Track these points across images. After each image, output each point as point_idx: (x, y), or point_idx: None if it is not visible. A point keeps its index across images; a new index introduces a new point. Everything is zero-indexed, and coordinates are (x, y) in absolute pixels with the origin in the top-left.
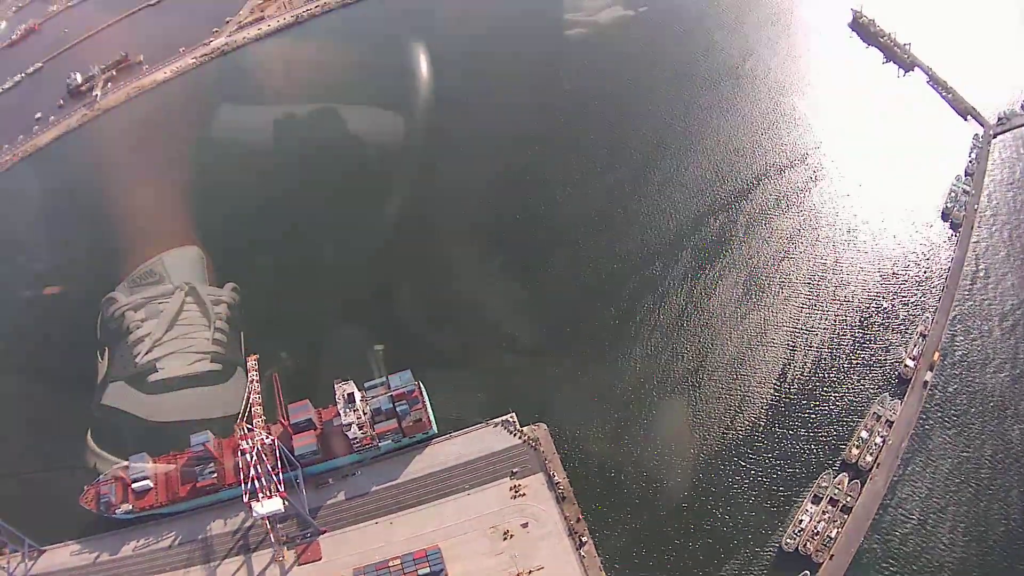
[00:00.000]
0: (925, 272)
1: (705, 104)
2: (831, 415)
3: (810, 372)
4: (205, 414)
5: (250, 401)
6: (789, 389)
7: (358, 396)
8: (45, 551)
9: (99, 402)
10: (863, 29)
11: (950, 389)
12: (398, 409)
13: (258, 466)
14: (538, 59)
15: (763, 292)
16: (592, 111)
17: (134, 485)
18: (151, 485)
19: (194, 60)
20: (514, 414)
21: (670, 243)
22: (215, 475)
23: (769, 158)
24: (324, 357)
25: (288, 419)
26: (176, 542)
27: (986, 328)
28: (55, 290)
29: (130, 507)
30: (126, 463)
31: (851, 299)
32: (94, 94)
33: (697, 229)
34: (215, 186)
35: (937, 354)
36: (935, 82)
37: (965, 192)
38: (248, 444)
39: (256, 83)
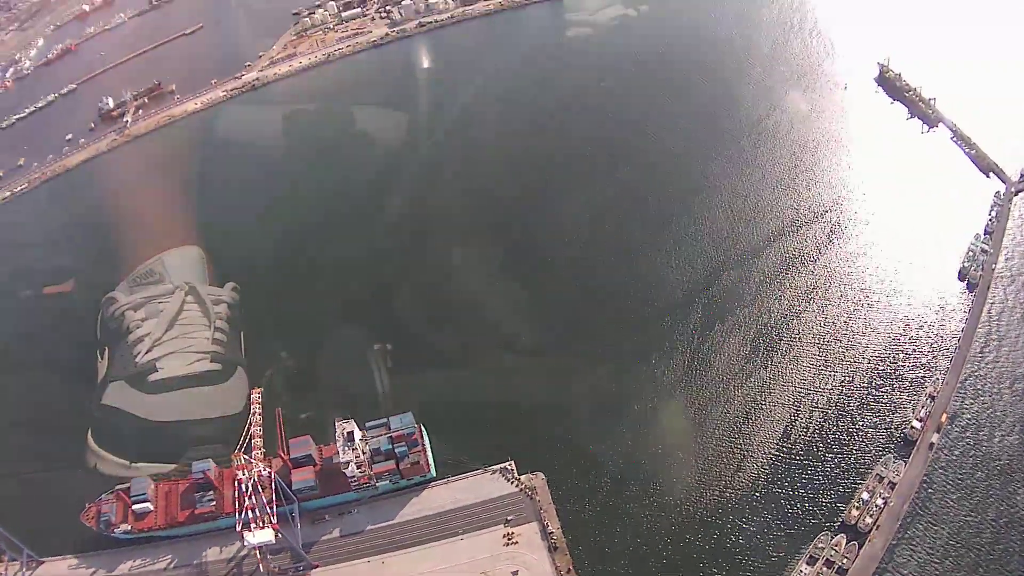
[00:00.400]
0: (938, 332)
1: (726, 158)
2: (833, 475)
3: (815, 431)
4: (205, 414)
5: (250, 433)
6: (792, 448)
7: (358, 435)
8: (44, 563)
9: (99, 402)
10: (889, 83)
11: (956, 452)
12: (397, 451)
13: (253, 497)
14: (562, 98)
15: (772, 350)
16: (606, 163)
17: (134, 507)
18: (151, 508)
19: (224, 93)
20: (513, 462)
21: (681, 298)
22: (214, 503)
23: (787, 215)
24: (323, 358)
25: (288, 454)
26: (172, 565)
27: (997, 391)
28: (59, 289)
29: (129, 527)
30: (127, 485)
31: (860, 359)
32: (125, 120)
33: (709, 285)
34: (220, 187)
35: (945, 416)
36: (959, 138)
37: (983, 251)
38: (244, 475)
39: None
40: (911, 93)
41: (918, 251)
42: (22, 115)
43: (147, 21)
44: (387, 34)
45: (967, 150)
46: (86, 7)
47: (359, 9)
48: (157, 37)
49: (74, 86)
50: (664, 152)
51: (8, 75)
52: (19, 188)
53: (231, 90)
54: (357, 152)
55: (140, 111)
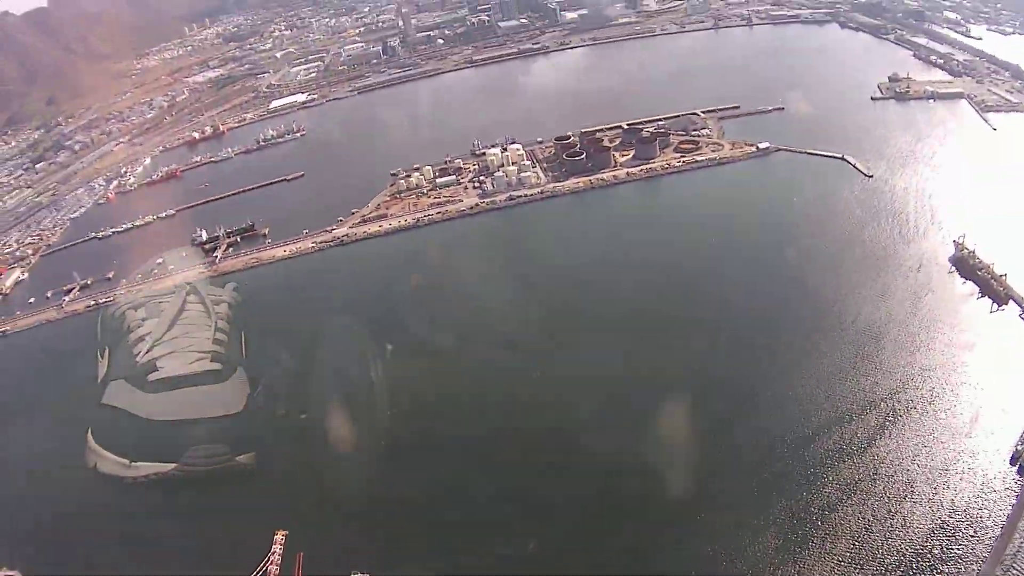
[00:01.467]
0: (980, 519)
1: (783, 348)
2: None
3: None
4: (205, 413)
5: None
6: None
7: None
8: None
9: (99, 401)
10: (962, 262)
11: None
12: None
13: None
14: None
15: (805, 544)
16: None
17: None
18: None
19: (313, 244)
20: None
21: (722, 488)
22: None
23: (840, 405)
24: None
25: None
26: None
27: None
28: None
29: None
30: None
31: (899, 550)
32: (215, 255)
33: (752, 475)
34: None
35: None
36: None
37: None
38: None
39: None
40: (983, 271)
41: (972, 436)
42: (119, 229)
43: (252, 159)
44: (477, 204)
45: None
46: (196, 135)
47: (454, 177)
48: (259, 178)
49: (173, 212)
50: (728, 338)
51: (112, 187)
52: (103, 299)
53: (320, 242)
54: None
55: (231, 248)
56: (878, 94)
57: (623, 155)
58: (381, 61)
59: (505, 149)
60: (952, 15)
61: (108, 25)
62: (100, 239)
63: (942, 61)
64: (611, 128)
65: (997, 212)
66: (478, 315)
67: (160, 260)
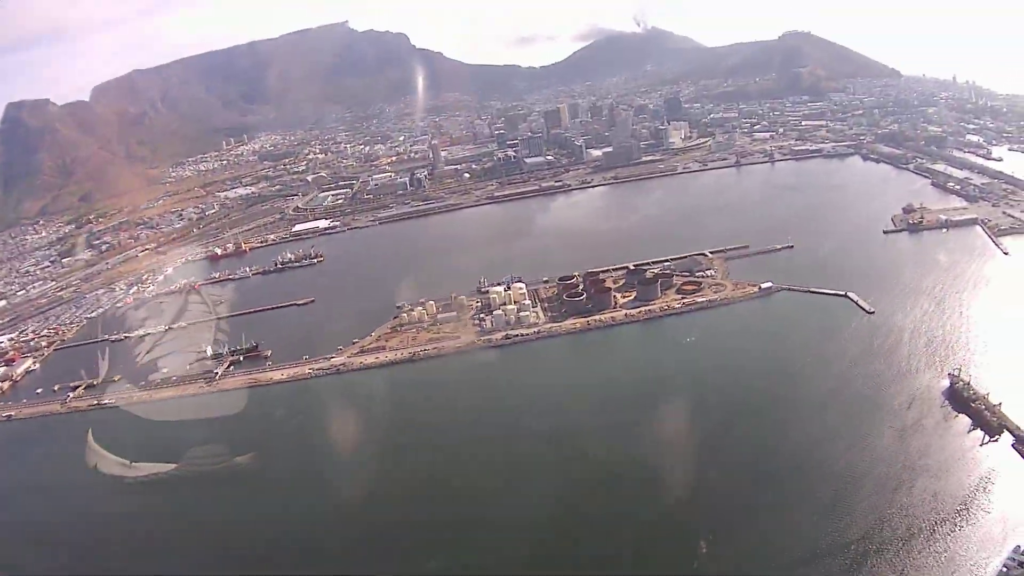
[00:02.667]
0: None
1: (758, 503)
2: None
3: None
4: (205, 414)
5: None
6: None
7: None
8: None
9: (100, 401)
10: (957, 394)
11: None
12: None
13: None
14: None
15: None
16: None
17: None
18: None
19: (310, 371)
20: None
21: None
22: None
23: (811, 546)
24: None
25: None
26: None
27: None
28: None
29: None
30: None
31: None
32: (215, 372)
33: None
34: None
35: None
36: (1022, 444)
37: (1020, 565)
38: None
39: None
40: (977, 402)
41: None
42: (131, 335)
43: (269, 281)
44: (473, 341)
45: None
46: (219, 251)
47: (455, 313)
48: (272, 299)
49: (184, 324)
50: (703, 487)
51: (132, 292)
52: (105, 401)
53: (317, 369)
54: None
55: (232, 367)
56: (891, 227)
57: (625, 296)
58: (407, 192)
59: (508, 288)
60: (974, 138)
61: (148, 129)
62: (112, 341)
63: (959, 187)
64: (617, 269)
65: (998, 338)
66: (448, 458)
67: (165, 370)
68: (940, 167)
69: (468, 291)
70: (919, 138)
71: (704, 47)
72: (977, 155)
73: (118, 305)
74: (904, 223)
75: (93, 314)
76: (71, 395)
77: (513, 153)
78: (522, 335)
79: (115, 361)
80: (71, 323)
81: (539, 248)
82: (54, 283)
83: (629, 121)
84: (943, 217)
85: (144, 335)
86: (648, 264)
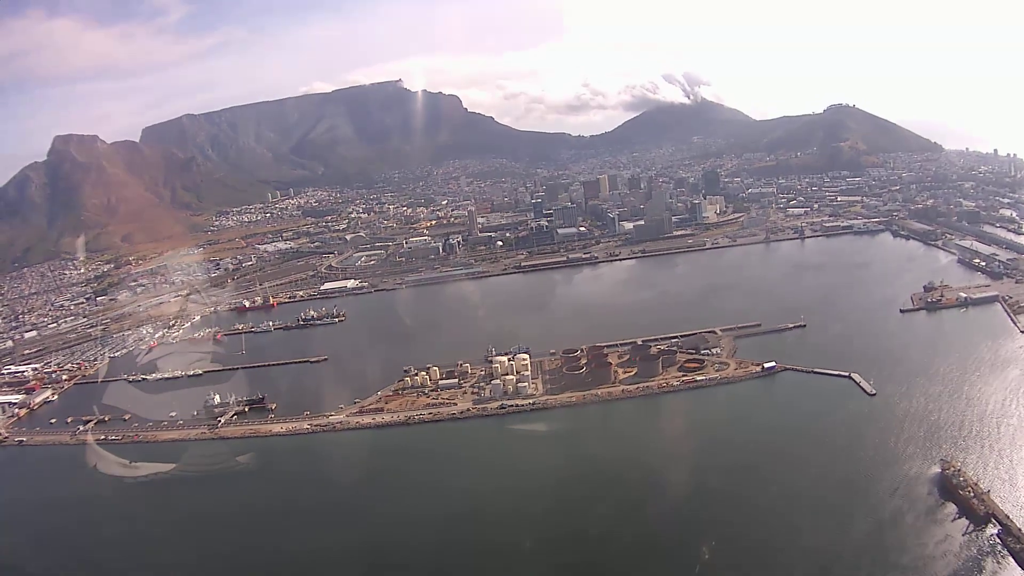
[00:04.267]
0: None
1: None
2: None
3: None
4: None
5: None
6: None
7: None
8: None
9: (107, 437)
10: (946, 482)
11: None
12: None
13: None
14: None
15: None
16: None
17: None
18: None
19: (308, 426)
20: None
21: None
22: None
23: None
24: None
25: None
26: None
27: None
28: None
29: None
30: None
31: None
32: (219, 419)
33: None
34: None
35: None
36: (1007, 535)
37: None
38: None
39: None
40: (966, 490)
41: None
42: (149, 377)
43: (290, 336)
44: (468, 410)
45: (1014, 545)
46: (247, 303)
47: (456, 380)
48: (288, 355)
49: (200, 372)
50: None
51: (157, 336)
52: (112, 438)
53: (315, 425)
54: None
55: (236, 417)
56: (909, 306)
57: (627, 372)
58: (438, 257)
59: (512, 358)
60: (1008, 212)
61: (195, 175)
62: (130, 381)
63: (984, 263)
64: (625, 343)
65: (1000, 422)
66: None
67: (173, 413)
68: (967, 243)
69: (477, 359)
70: (951, 213)
71: (752, 120)
72: (1008, 230)
73: (142, 347)
74: (923, 301)
75: (117, 353)
76: (81, 428)
77: (547, 223)
78: (517, 405)
79: (129, 400)
80: (95, 360)
81: (553, 320)
82: (85, 319)
83: (664, 195)
84: (963, 295)
85: (161, 378)
86: (656, 340)
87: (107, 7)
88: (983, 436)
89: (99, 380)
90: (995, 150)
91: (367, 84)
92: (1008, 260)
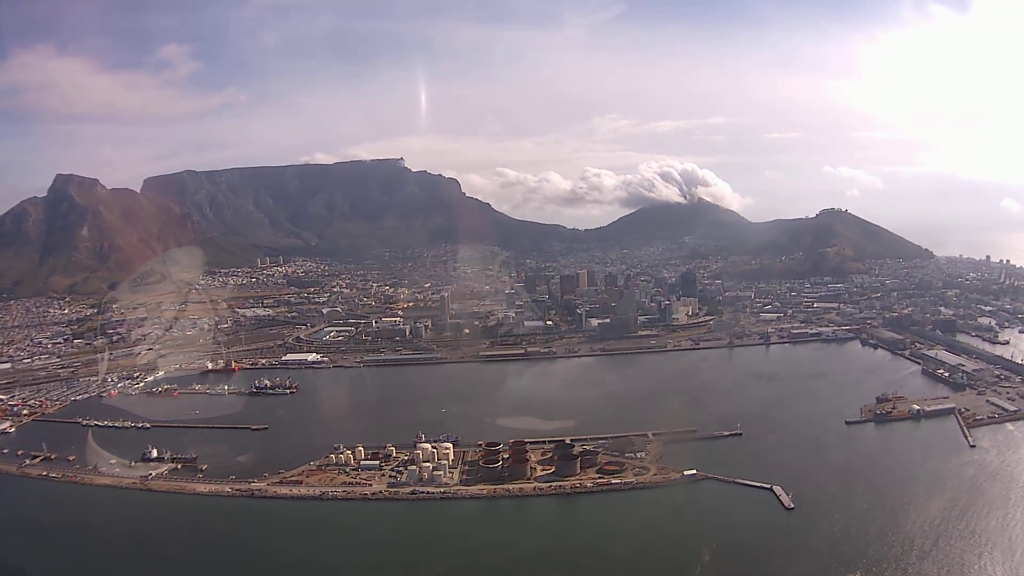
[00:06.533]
0: None
1: None
2: None
3: None
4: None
5: None
6: None
7: None
8: None
9: (48, 473)
10: None
11: None
12: None
13: None
14: None
15: None
16: None
17: None
18: None
19: (229, 490)
20: None
21: None
22: None
23: None
24: None
25: None
26: None
27: None
28: None
29: None
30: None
31: None
32: (151, 473)
33: None
34: None
35: None
36: None
37: None
38: None
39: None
40: None
41: None
42: (100, 424)
43: (241, 401)
44: (380, 492)
45: None
46: (210, 365)
47: (379, 462)
48: (235, 419)
49: (149, 425)
50: None
51: (119, 386)
52: (52, 475)
53: (236, 489)
54: None
55: (166, 471)
56: (856, 417)
57: (545, 469)
58: (404, 339)
59: (435, 445)
60: (987, 320)
61: (190, 233)
62: (83, 425)
63: (947, 375)
64: (554, 440)
65: (919, 548)
66: None
67: (112, 461)
68: (933, 353)
69: (406, 443)
70: (926, 322)
71: (746, 222)
72: (984, 339)
73: (102, 394)
74: (872, 413)
75: (79, 397)
76: (27, 463)
77: (514, 315)
78: (428, 492)
79: (78, 443)
80: (57, 400)
81: (494, 411)
82: (59, 359)
83: (634, 294)
84: (916, 407)
85: (111, 426)
86: (585, 439)
87: (115, 53)
88: (899, 561)
89: (57, 420)
90: (987, 256)
91: (368, 160)
92: (974, 371)
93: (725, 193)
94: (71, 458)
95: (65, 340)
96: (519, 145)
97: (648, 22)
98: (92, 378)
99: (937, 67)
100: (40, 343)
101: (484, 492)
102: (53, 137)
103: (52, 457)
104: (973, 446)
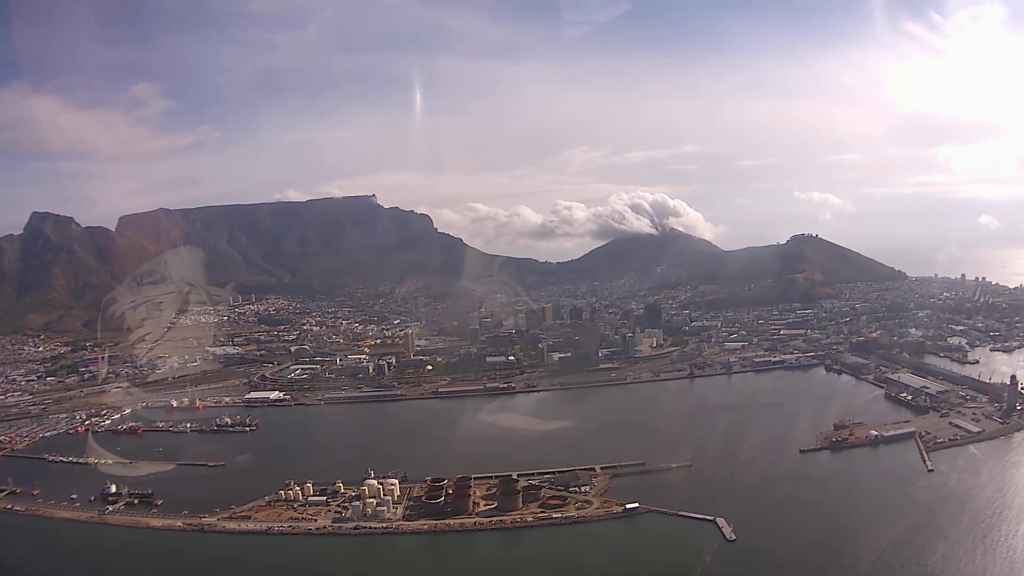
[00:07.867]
0: None
1: None
2: None
3: None
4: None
5: None
6: None
7: None
8: None
9: (11, 507)
10: None
11: None
12: None
13: None
14: None
15: None
16: None
17: None
18: None
19: (181, 524)
20: None
21: None
22: None
23: None
24: None
25: None
26: None
27: None
28: None
29: None
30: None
31: None
32: (108, 508)
33: None
34: None
35: None
36: None
37: None
38: None
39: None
40: None
41: None
42: (66, 460)
43: (202, 439)
44: (324, 527)
45: None
46: (174, 403)
47: (326, 498)
48: (191, 456)
49: (110, 461)
50: None
51: (87, 423)
52: (15, 508)
53: (187, 523)
54: None
55: (124, 507)
56: (811, 445)
57: (488, 504)
58: (367, 376)
59: (381, 481)
60: (957, 340)
61: (167, 271)
62: (50, 462)
63: (910, 398)
64: (500, 475)
65: (864, 570)
66: None
67: (73, 496)
68: (897, 376)
69: (355, 479)
70: (894, 345)
71: (719, 250)
72: (953, 359)
73: (70, 432)
74: (828, 441)
75: (48, 433)
76: None
77: (476, 350)
78: (371, 528)
79: (42, 478)
80: (26, 436)
81: (443, 448)
82: (31, 396)
83: (596, 327)
84: (874, 433)
85: (76, 462)
86: (531, 474)
87: (88, 91)
88: None
89: (25, 456)
90: (962, 275)
91: (340, 197)
92: (938, 392)
93: (697, 222)
94: (35, 492)
95: (38, 377)
96: (492, 179)
97: (617, 51)
98: (62, 415)
99: (913, 87)
100: (14, 380)
101: (425, 527)
102: (29, 174)
103: (17, 491)
104: (931, 471)
